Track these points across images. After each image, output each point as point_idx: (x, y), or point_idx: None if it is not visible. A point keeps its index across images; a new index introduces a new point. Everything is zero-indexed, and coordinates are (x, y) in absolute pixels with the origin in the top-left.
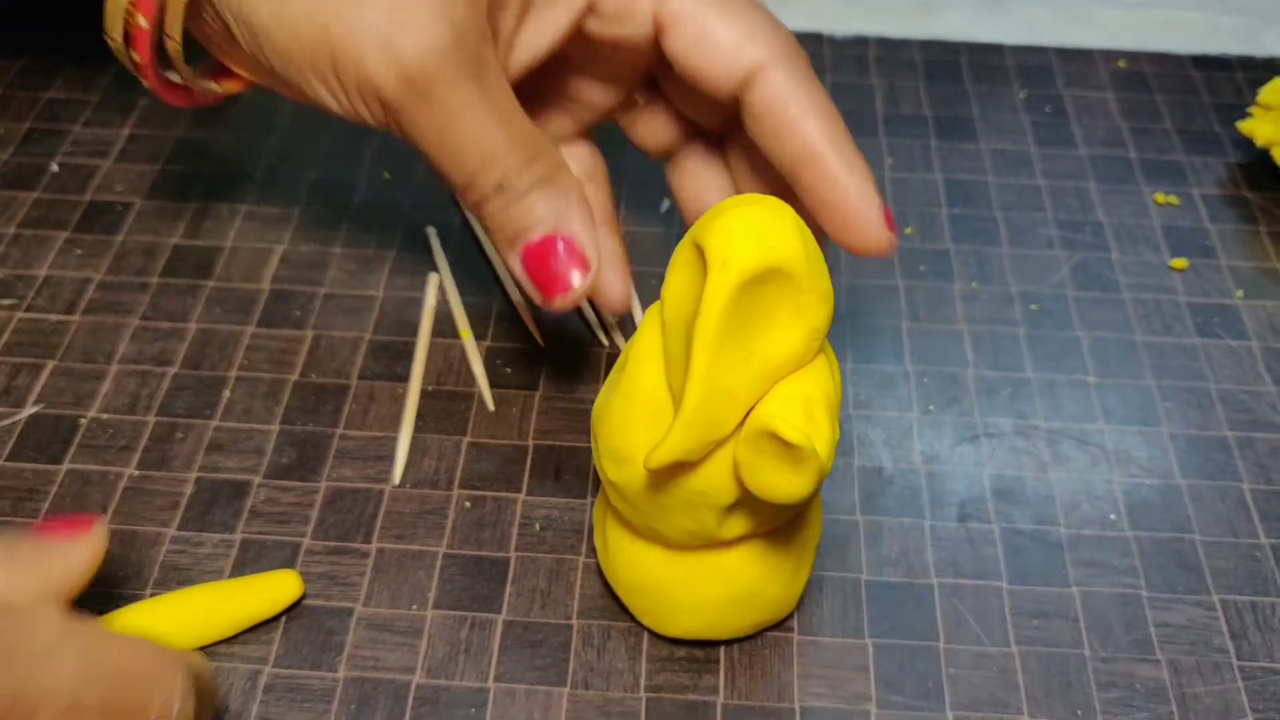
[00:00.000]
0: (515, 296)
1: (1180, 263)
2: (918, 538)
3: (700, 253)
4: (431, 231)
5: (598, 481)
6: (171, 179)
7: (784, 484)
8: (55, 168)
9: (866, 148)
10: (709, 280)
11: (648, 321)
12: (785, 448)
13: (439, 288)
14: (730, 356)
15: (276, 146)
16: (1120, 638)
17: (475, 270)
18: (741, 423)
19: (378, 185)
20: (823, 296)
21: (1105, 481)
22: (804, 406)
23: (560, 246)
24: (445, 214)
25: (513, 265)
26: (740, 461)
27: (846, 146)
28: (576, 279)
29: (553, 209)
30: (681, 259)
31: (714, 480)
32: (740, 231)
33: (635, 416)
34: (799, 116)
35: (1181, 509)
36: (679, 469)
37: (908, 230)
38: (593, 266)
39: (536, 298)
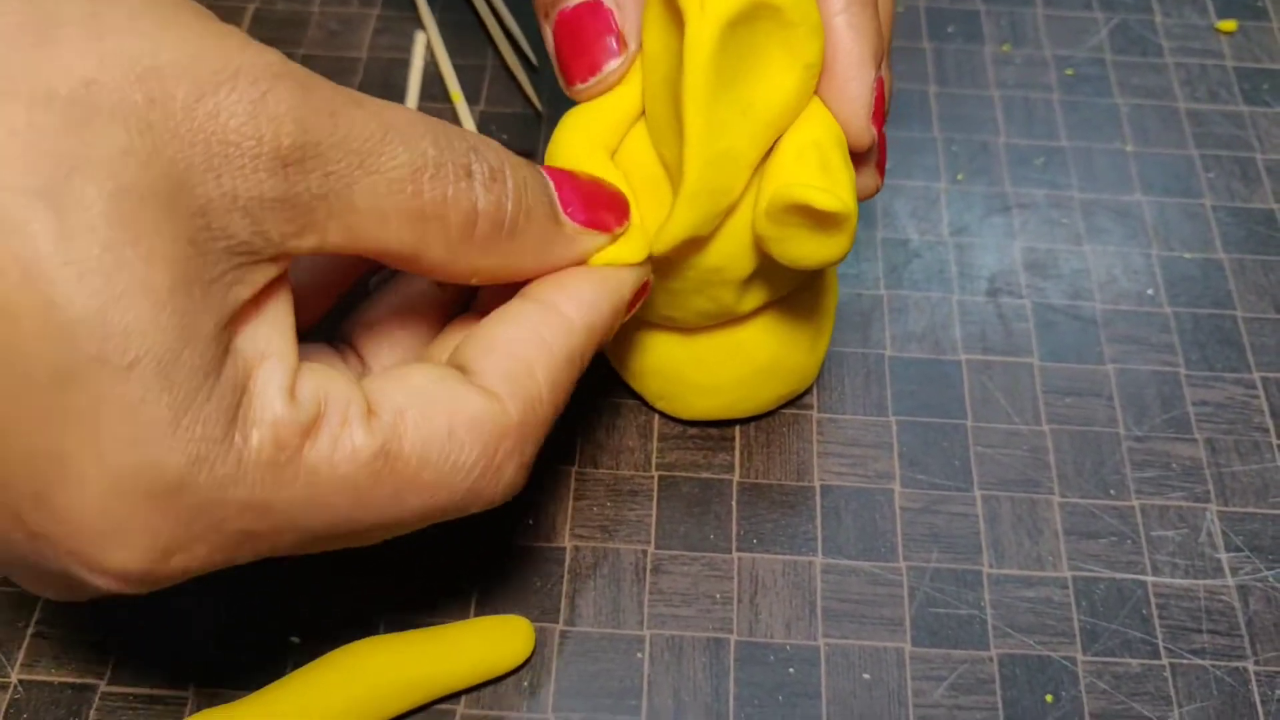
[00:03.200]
0: (509, 57)
1: (1229, 25)
2: (945, 312)
3: (672, 1)
4: None
5: None
6: None
7: (819, 251)
8: None
9: None
10: (689, 28)
11: (628, 82)
12: (817, 216)
13: (426, 47)
14: (726, 112)
15: None
16: (1156, 416)
17: (466, 27)
18: (748, 185)
19: None
20: (813, 29)
21: (1143, 255)
22: (818, 159)
23: (606, 14)
24: None
25: (546, 34)
26: (765, 236)
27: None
28: (610, 62)
29: None
30: (652, 14)
31: (728, 254)
32: None
33: (630, 194)
34: None
35: (1223, 284)
36: (689, 248)
37: None
38: (630, 49)
39: (561, 80)
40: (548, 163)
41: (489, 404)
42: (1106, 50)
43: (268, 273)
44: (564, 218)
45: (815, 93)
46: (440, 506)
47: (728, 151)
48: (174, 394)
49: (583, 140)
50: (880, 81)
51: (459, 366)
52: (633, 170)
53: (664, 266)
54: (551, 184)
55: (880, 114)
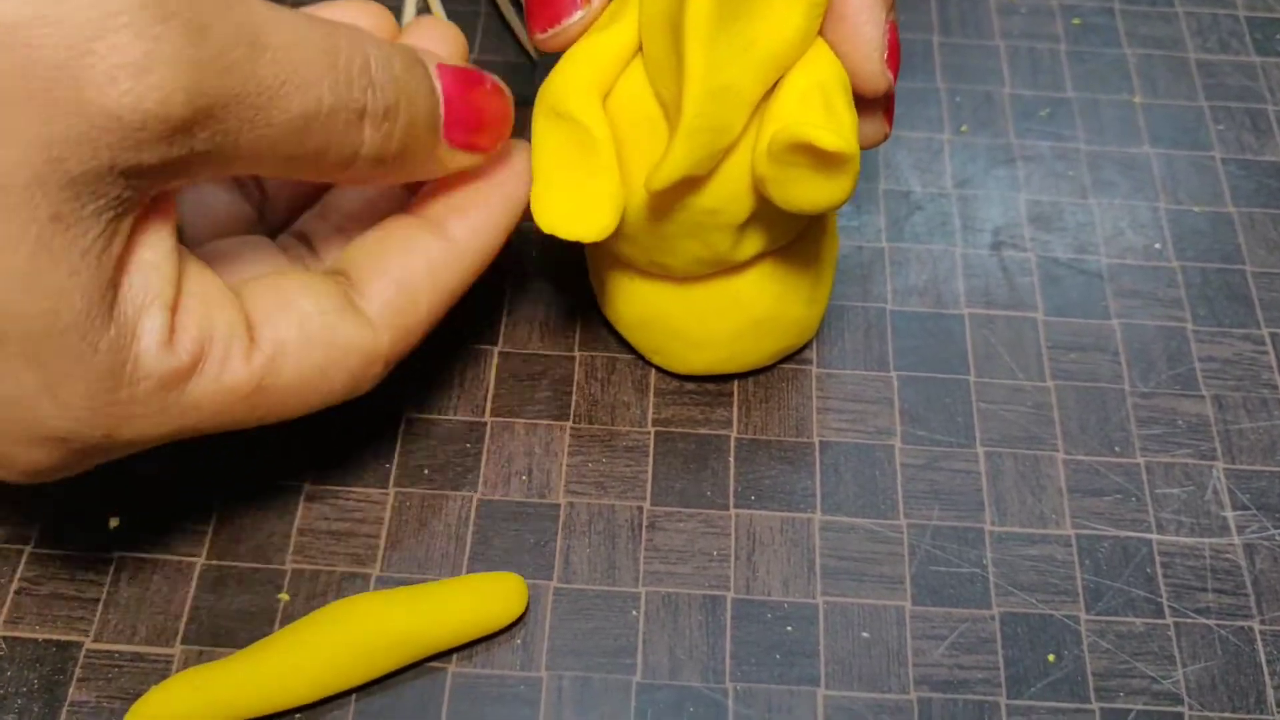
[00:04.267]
0: (503, 3)
1: None
2: (947, 266)
3: None
4: None
5: None
6: None
7: (822, 193)
8: None
9: None
10: None
11: (625, 19)
12: (820, 156)
13: None
14: (728, 47)
15: None
16: (1162, 372)
17: None
18: (748, 125)
19: None
20: None
21: (1150, 208)
22: (822, 100)
23: None
24: None
25: None
26: (765, 177)
27: None
28: (572, 14)
29: None
30: None
31: (725, 196)
32: None
33: (624, 137)
34: None
35: (1232, 238)
36: (684, 189)
37: None
38: (594, 4)
39: (527, 29)
40: (539, 104)
41: (366, 336)
42: None
43: (142, 212)
44: (442, 142)
45: (826, 38)
46: (297, 415)
47: (728, 87)
48: (46, 371)
49: (575, 84)
50: (893, 25)
51: (343, 273)
52: (628, 111)
53: (658, 207)
54: (441, 107)
55: (895, 58)
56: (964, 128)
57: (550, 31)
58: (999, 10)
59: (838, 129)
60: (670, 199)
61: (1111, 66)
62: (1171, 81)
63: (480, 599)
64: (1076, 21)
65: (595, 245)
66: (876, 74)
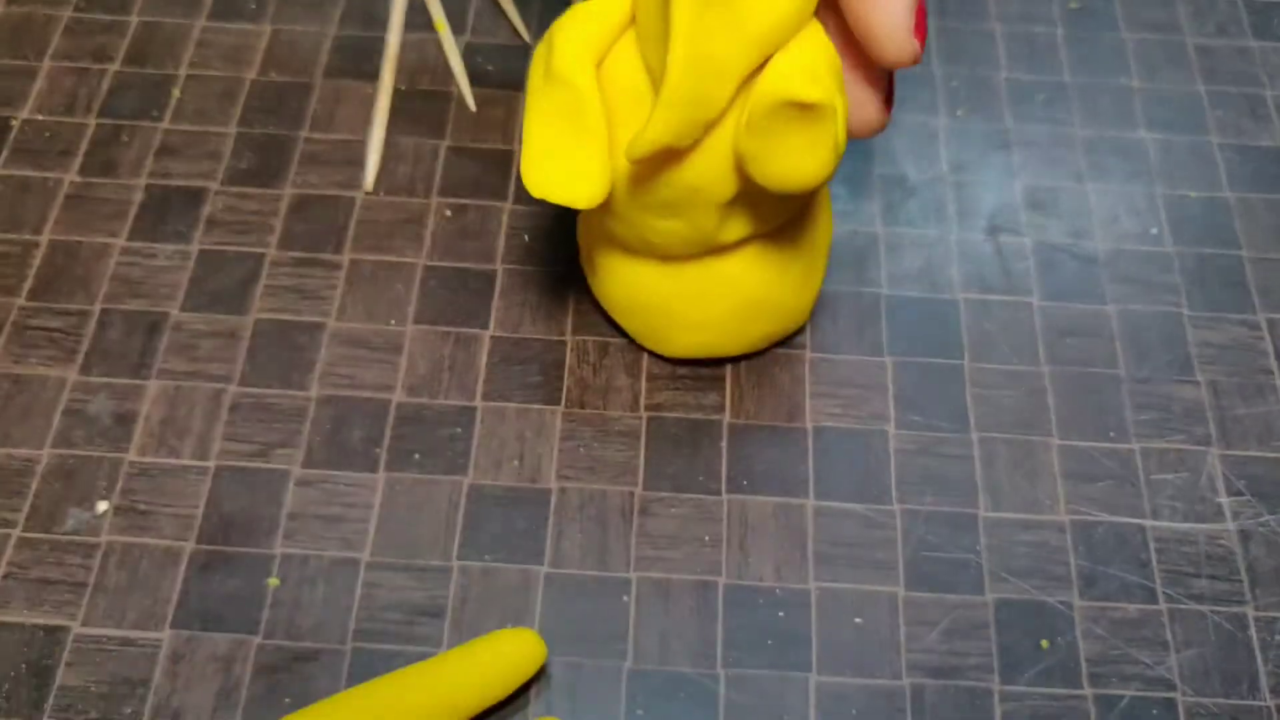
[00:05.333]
0: None
1: None
2: (942, 251)
3: None
4: None
5: None
6: None
7: (801, 165)
8: None
9: None
10: None
11: None
12: (799, 117)
13: None
14: (716, 19)
15: None
16: (1158, 358)
17: None
18: (733, 102)
19: None
20: None
21: (1147, 193)
22: (809, 72)
23: None
24: None
25: None
26: (747, 154)
27: None
28: None
29: None
30: None
31: (709, 172)
32: None
33: (613, 108)
34: None
35: (1228, 223)
36: (667, 162)
37: None
38: None
39: None
40: (535, 64)
41: None
42: None
43: None
44: None
45: (852, 7)
46: None
47: (713, 58)
48: None
49: (572, 47)
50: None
51: None
52: (618, 82)
53: (641, 180)
54: None
55: (922, 29)
56: (960, 112)
57: None
58: None
59: (820, 88)
60: (653, 171)
61: (1109, 51)
62: (1169, 66)
63: (494, 668)
64: (1074, 5)
65: (586, 224)
66: (903, 42)
